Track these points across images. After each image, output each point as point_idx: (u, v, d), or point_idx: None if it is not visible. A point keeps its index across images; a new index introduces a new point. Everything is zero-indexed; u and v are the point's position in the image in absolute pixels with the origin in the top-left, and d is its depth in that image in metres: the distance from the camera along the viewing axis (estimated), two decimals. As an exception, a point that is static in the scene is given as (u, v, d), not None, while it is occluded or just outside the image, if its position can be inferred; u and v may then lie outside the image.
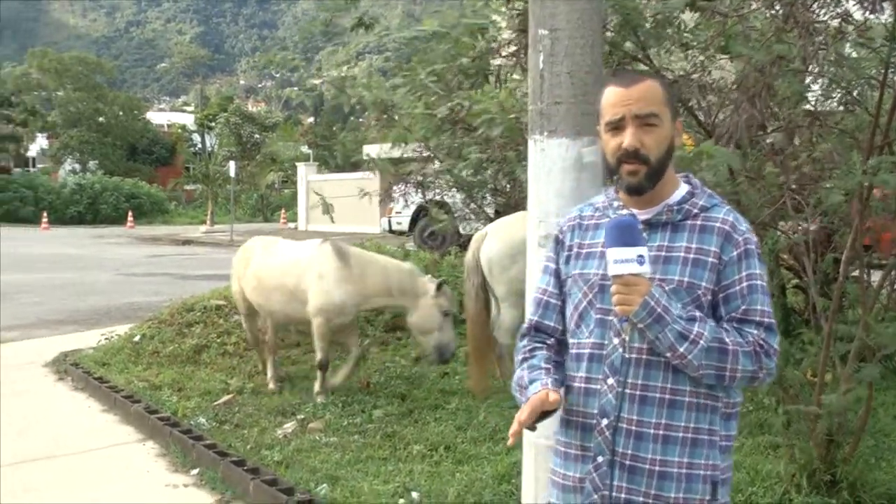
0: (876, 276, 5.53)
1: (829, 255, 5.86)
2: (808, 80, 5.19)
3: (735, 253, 2.43)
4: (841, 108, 5.40)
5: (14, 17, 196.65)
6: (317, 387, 7.95)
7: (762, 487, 5.25)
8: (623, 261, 2.34)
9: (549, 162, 3.87)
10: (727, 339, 2.37)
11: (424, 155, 10.01)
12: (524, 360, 2.66)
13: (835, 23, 5.01)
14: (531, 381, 2.54)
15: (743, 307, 2.42)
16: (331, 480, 5.77)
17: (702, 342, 2.34)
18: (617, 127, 2.48)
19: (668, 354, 2.38)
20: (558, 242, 2.69)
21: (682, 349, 2.35)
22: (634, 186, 2.49)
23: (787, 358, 5.20)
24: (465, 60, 7.09)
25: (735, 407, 2.52)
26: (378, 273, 7.88)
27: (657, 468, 2.41)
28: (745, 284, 2.42)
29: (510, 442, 2.47)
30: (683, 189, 2.55)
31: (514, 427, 2.42)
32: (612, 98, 2.51)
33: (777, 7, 5.16)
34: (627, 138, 2.45)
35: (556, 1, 3.82)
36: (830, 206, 4.81)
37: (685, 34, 5.40)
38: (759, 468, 5.53)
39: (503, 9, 7.01)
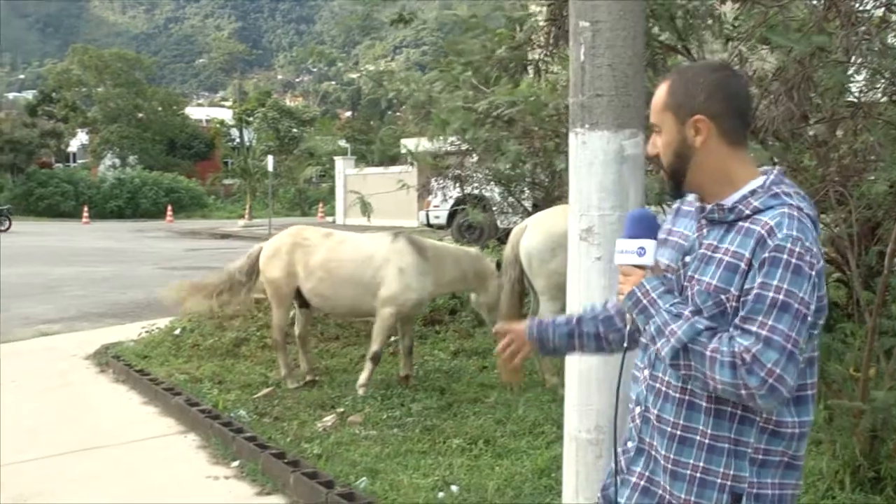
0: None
1: (874, 248, 5.80)
2: (850, 70, 5.12)
3: (762, 258, 2.24)
4: (884, 98, 5.32)
5: (56, 14, 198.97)
6: (364, 378, 8.00)
7: (805, 484, 5.19)
8: (624, 251, 2.39)
9: (591, 154, 3.85)
10: (708, 344, 2.24)
11: (462, 149, 9.99)
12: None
13: (879, 12, 4.94)
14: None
15: (743, 314, 2.24)
16: (370, 474, 5.78)
17: (672, 340, 2.27)
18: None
19: (653, 347, 2.37)
20: (667, 221, 2.63)
21: (658, 344, 2.32)
22: (668, 191, 2.53)
23: (828, 352, 5.15)
24: (503, 51, 7.06)
25: (783, 426, 2.35)
26: (452, 262, 8.15)
27: (670, 466, 2.40)
28: (755, 292, 2.23)
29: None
30: (751, 186, 2.38)
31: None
32: None
33: (819, -4, 5.10)
34: (648, 144, 2.50)
35: (598, -7, 3.80)
36: (874, 197, 4.75)
37: (724, 25, 5.35)
38: (801, 464, 5.46)
39: (540, -1, 6.98)
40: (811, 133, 5.70)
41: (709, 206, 2.39)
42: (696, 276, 2.35)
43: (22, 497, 5.87)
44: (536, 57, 6.91)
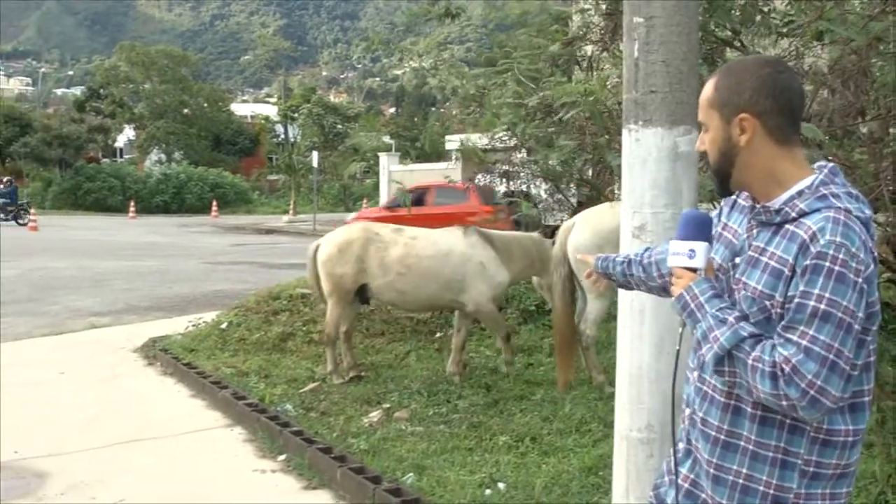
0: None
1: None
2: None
3: (805, 265, 2.16)
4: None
5: (104, 11, 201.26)
6: (510, 356, 8.40)
7: (856, 487, 5.11)
8: (675, 253, 2.37)
9: (644, 152, 3.82)
10: (751, 352, 2.19)
11: (511, 144, 9.97)
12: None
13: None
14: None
15: (785, 323, 2.18)
16: (417, 470, 5.78)
17: (715, 347, 2.23)
18: None
19: (701, 351, 2.33)
20: (718, 216, 2.57)
21: (703, 349, 2.28)
22: (716, 189, 2.50)
23: (881, 354, 5.07)
24: (556, 47, 7.03)
25: (835, 435, 2.27)
26: (520, 249, 8.35)
27: (713, 471, 2.36)
28: (797, 301, 2.16)
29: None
30: (798, 187, 2.30)
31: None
32: None
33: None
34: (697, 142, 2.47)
35: (652, -12, 3.76)
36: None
37: (777, 19, 5.29)
38: (853, 467, 5.39)
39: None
40: (864, 130, 5.61)
41: (757, 207, 2.35)
42: (744, 280, 2.30)
43: (74, 487, 5.94)
44: (588, 53, 6.88)
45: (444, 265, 8.13)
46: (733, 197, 2.53)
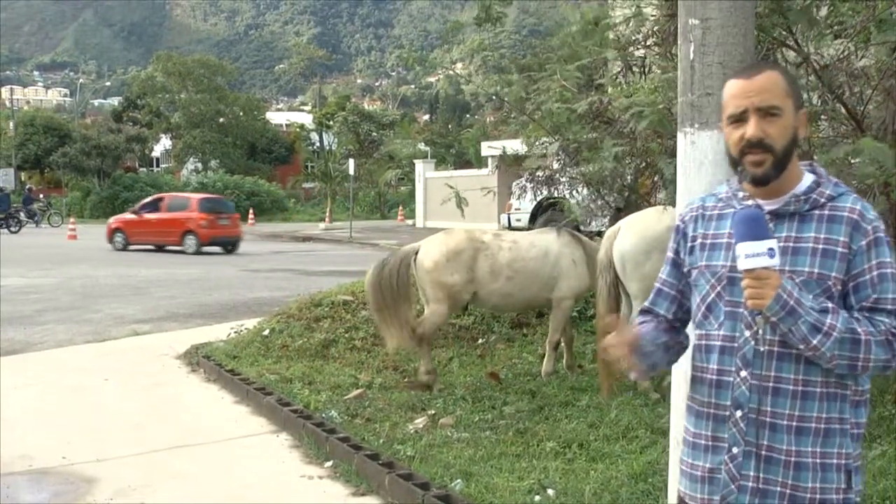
0: None
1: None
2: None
3: (864, 242, 2.40)
4: None
5: (140, 22, 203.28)
6: (549, 366, 8.52)
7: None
8: (754, 255, 2.31)
9: (700, 154, 3.79)
10: (859, 329, 2.34)
11: (551, 151, 9.94)
12: None
13: None
14: None
15: (874, 296, 2.39)
16: (465, 476, 5.75)
17: (835, 334, 2.32)
18: (739, 119, 2.46)
19: (801, 346, 2.36)
20: (680, 232, 2.69)
21: (815, 341, 2.33)
22: (760, 177, 2.46)
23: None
24: (612, 52, 7.00)
25: (864, 395, 2.50)
26: (596, 251, 8.36)
27: (793, 458, 2.41)
28: (875, 273, 2.39)
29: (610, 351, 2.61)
30: (809, 179, 2.51)
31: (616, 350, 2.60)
32: (734, 90, 2.50)
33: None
34: (750, 128, 2.43)
35: (709, -10, 3.73)
36: None
37: (835, 19, 5.24)
38: (909, 473, 5.31)
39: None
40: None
41: (783, 200, 2.47)
42: (788, 269, 2.39)
43: (122, 492, 5.97)
44: (641, 56, 6.85)
45: (544, 265, 8.39)
46: (696, 210, 2.67)
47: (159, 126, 63.93)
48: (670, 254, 2.73)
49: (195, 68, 65.48)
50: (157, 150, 69.20)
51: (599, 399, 7.45)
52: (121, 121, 61.75)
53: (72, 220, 37.64)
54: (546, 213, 18.85)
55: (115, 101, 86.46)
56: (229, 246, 28.09)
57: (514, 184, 12.28)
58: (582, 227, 11.22)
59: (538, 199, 13.93)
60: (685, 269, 2.66)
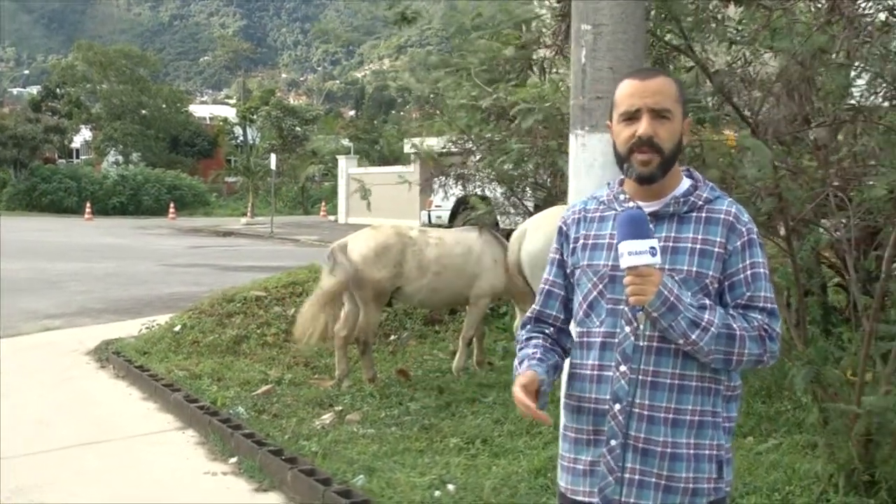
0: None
1: (872, 252, 5.80)
2: (852, 74, 5.12)
3: (739, 242, 2.54)
4: (885, 103, 5.32)
5: (61, 9, 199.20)
6: (460, 362, 8.56)
7: (799, 487, 5.20)
8: (637, 252, 2.39)
9: (590, 157, 3.88)
10: (735, 325, 2.46)
11: (466, 147, 10.02)
12: (520, 349, 2.78)
13: (881, 16, 4.95)
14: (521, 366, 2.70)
15: (748, 294, 2.52)
16: (367, 472, 5.79)
17: (712, 329, 2.43)
18: (632, 117, 2.55)
19: (681, 341, 2.46)
20: (562, 234, 2.76)
21: (693, 336, 2.43)
22: (646, 175, 2.55)
23: (826, 356, 5.16)
24: (510, 50, 7.07)
25: (736, 390, 2.62)
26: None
27: (668, 450, 2.51)
28: (749, 272, 2.53)
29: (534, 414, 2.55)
30: (686, 182, 2.63)
31: (528, 410, 2.55)
32: (630, 90, 2.58)
33: (822, 0, 5.11)
34: (643, 126, 2.52)
35: (600, -5, 3.81)
36: (873, 201, 4.75)
37: (729, 28, 5.35)
38: (796, 467, 5.47)
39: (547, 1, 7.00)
40: (812, 136, 5.70)
41: (663, 202, 2.58)
42: (668, 267, 2.50)
43: (22, 491, 5.89)
44: (542, 56, 6.93)
45: (468, 261, 8.46)
46: (578, 213, 2.75)
47: (79, 117, 62.57)
48: (555, 255, 2.79)
49: (117, 58, 64.32)
50: (77, 142, 67.82)
51: (507, 396, 7.52)
52: (39, 110, 60.23)
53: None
54: (466, 210, 18.94)
55: (33, 90, 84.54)
56: None
57: (433, 180, 12.33)
58: (500, 226, 11.31)
59: (458, 196, 13.99)
60: (568, 270, 2.73)
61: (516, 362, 2.74)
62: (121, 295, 15.61)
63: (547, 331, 2.78)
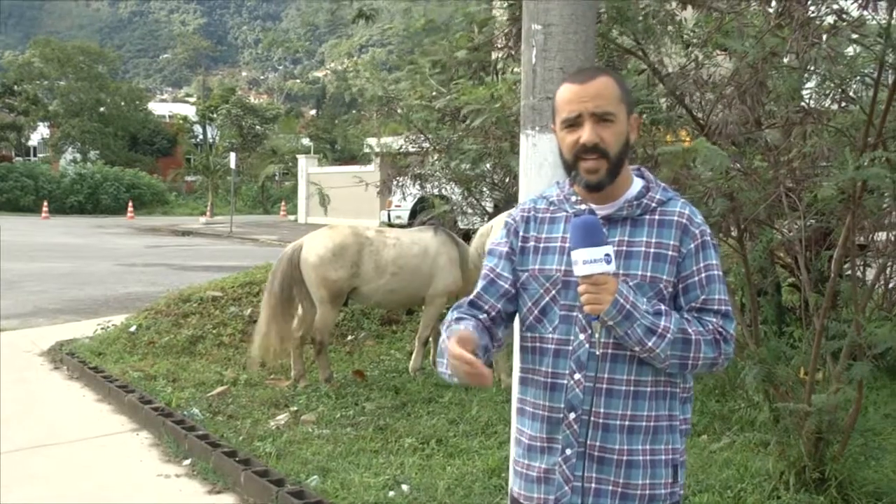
0: (871, 275, 5.52)
1: (824, 252, 5.86)
2: (803, 76, 5.17)
3: (693, 245, 2.50)
4: (835, 105, 5.38)
5: (18, 4, 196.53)
6: (417, 362, 8.62)
7: (751, 484, 5.26)
8: (591, 261, 2.32)
9: (541, 157, 3.88)
10: (690, 330, 2.43)
11: (423, 147, 10.02)
12: (447, 327, 2.57)
13: (830, 19, 5.00)
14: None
15: (703, 297, 2.50)
16: (322, 472, 5.78)
17: (668, 335, 2.39)
18: (574, 124, 2.48)
19: (637, 348, 2.41)
20: (511, 230, 2.66)
21: (650, 343, 2.39)
22: (595, 184, 2.49)
23: (778, 355, 5.20)
24: (462, 53, 7.09)
25: (690, 391, 2.61)
26: (468, 255, 8.56)
27: (625, 458, 2.47)
28: (703, 275, 2.50)
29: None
30: (639, 184, 2.57)
31: (470, 366, 2.31)
32: (569, 95, 2.51)
33: (773, 3, 5.15)
34: (586, 133, 2.44)
35: (550, -4, 3.82)
36: (824, 201, 4.81)
37: (684, 30, 5.39)
38: (747, 465, 5.53)
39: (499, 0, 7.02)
40: (765, 138, 5.75)
41: (615, 205, 2.52)
42: (623, 273, 2.44)
43: (-32, 495, 5.81)
44: (497, 57, 6.95)
45: (424, 262, 8.48)
46: (528, 212, 2.67)
47: (36, 114, 61.71)
48: (503, 248, 2.65)
49: (75, 55, 63.48)
50: (34, 139, 66.86)
51: (462, 395, 7.53)
52: (-5, 107, 59.61)
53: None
54: (425, 210, 18.95)
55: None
56: None
57: (395, 180, 12.32)
58: (459, 225, 11.32)
59: (418, 196, 13.99)
60: (517, 270, 2.63)
61: (444, 336, 2.50)
62: (77, 295, 15.44)
63: (480, 316, 2.61)
